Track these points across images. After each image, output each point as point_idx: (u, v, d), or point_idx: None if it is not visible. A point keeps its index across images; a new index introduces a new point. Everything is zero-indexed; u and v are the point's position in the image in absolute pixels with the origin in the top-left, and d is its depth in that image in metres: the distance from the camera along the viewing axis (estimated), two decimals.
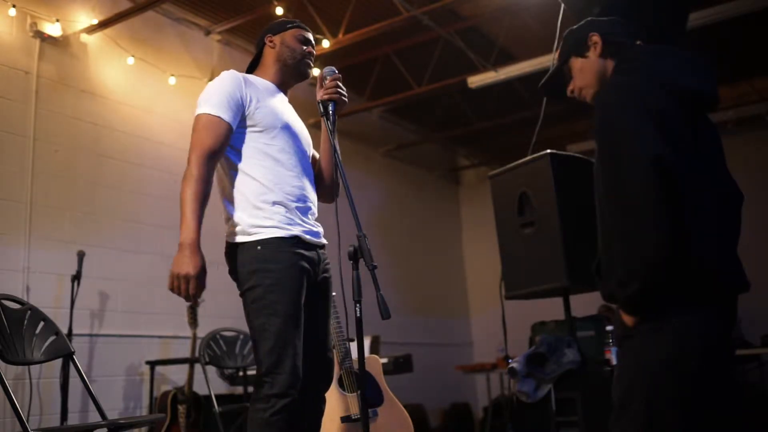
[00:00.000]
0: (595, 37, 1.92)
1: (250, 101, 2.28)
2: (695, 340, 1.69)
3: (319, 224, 2.38)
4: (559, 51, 2.02)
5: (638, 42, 1.94)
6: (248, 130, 2.29)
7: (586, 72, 1.96)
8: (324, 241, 2.37)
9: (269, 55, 2.45)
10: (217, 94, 2.26)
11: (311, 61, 2.48)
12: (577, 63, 1.97)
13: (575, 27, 2.01)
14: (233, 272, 2.25)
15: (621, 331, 1.79)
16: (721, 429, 1.73)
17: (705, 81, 1.82)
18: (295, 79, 2.50)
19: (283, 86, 2.47)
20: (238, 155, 2.28)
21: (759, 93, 7.17)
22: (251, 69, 2.51)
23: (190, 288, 2.06)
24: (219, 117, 2.22)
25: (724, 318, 1.74)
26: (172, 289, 2.09)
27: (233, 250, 2.24)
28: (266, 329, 2.14)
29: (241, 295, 2.23)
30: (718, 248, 1.74)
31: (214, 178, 2.29)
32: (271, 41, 2.44)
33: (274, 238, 2.19)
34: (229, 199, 2.29)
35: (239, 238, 2.22)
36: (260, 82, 2.40)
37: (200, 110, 2.26)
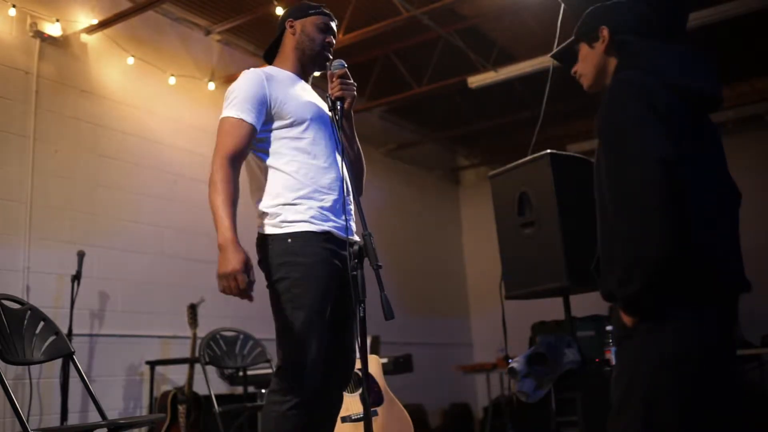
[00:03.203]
0: (605, 32, 1.91)
1: (275, 98, 2.27)
2: (695, 340, 1.68)
3: (353, 218, 2.33)
4: (576, 27, 2.01)
5: (648, 33, 1.92)
6: (277, 126, 2.28)
7: (588, 62, 1.96)
8: (357, 238, 2.30)
9: (289, 42, 2.43)
10: (239, 95, 2.25)
11: (330, 52, 2.45)
12: (583, 49, 1.97)
13: (595, 10, 1.97)
14: (262, 263, 2.25)
15: (620, 331, 1.79)
16: (720, 430, 1.73)
17: (709, 80, 1.82)
18: (314, 69, 2.48)
19: (303, 74, 2.45)
20: (270, 152, 2.28)
21: (759, 93, 7.17)
22: (271, 51, 2.49)
23: (240, 283, 2.03)
24: (241, 119, 2.22)
25: (724, 318, 1.74)
26: (224, 292, 2.06)
27: (264, 241, 2.24)
28: (290, 322, 2.13)
29: (268, 286, 2.22)
30: (720, 248, 1.73)
31: (248, 175, 2.30)
32: (292, 26, 2.42)
33: (305, 231, 2.18)
34: (262, 194, 2.27)
35: (270, 230, 2.22)
36: (281, 75, 2.37)
37: (224, 114, 2.26)
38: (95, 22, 4.96)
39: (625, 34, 1.90)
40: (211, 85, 5.77)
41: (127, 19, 5.03)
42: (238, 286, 2.04)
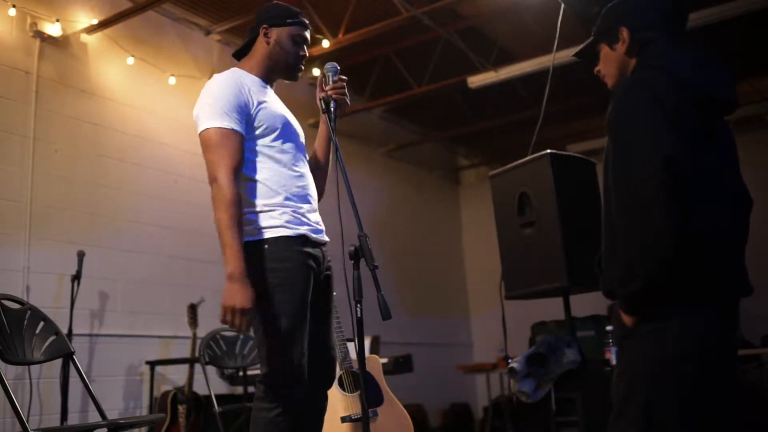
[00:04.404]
0: (625, 34, 1.89)
1: (253, 104, 2.24)
2: (695, 340, 1.68)
3: (321, 221, 2.35)
4: (595, 27, 1.99)
5: (669, 29, 1.89)
6: (249, 134, 2.24)
7: (609, 62, 1.95)
8: (326, 238, 2.35)
9: (261, 48, 2.37)
10: (221, 102, 2.19)
11: (302, 65, 2.42)
12: (604, 50, 1.96)
13: (613, 6, 1.94)
14: None
15: (620, 330, 1.79)
16: (720, 430, 1.73)
17: (722, 83, 1.81)
18: (282, 78, 2.45)
19: (269, 81, 2.41)
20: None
21: (759, 93, 7.17)
22: (240, 53, 2.45)
23: (243, 321, 2.04)
24: (231, 129, 2.16)
25: (725, 319, 1.74)
26: (224, 322, 2.06)
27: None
28: (273, 329, 2.13)
29: None
30: (722, 250, 1.73)
31: None
32: (266, 34, 2.36)
33: (281, 236, 2.18)
34: None
35: (246, 237, 2.19)
36: (250, 80, 2.32)
37: (208, 123, 2.18)
38: (95, 22, 4.97)
39: (645, 32, 1.87)
40: None
41: (127, 19, 5.03)
42: (239, 323, 2.04)
